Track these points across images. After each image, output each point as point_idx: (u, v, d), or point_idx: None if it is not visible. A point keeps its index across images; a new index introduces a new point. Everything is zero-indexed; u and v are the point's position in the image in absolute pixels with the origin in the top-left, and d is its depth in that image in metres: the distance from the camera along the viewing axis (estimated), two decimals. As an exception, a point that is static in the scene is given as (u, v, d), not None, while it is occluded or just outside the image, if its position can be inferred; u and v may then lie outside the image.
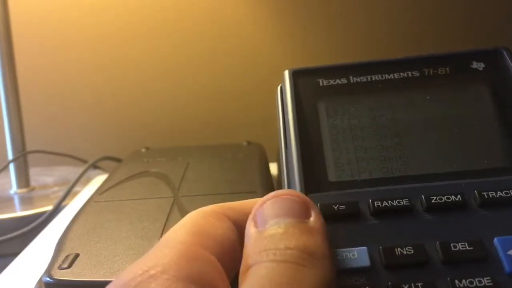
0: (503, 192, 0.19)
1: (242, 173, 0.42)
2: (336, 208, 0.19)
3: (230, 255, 0.17)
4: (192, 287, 0.14)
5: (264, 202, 0.17)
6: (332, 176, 0.21)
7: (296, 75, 0.24)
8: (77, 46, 0.71)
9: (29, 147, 0.58)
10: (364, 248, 0.18)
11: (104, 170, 0.62)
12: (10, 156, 0.56)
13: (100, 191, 0.40)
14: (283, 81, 0.24)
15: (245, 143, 0.55)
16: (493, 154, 0.21)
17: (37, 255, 0.36)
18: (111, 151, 0.63)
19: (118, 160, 0.59)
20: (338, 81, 0.24)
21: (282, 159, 0.22)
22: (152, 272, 0.14)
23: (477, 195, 0.19)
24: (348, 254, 0.17)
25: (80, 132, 0.74)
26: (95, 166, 0.59)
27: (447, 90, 0.23)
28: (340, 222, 0.18)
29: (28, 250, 0.37)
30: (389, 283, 0.16)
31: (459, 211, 0.18)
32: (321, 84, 0.24)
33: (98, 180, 0.54)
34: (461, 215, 0.18)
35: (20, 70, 0.56)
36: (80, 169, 0.54)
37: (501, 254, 0.17)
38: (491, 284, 0.16)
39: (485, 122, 0.22)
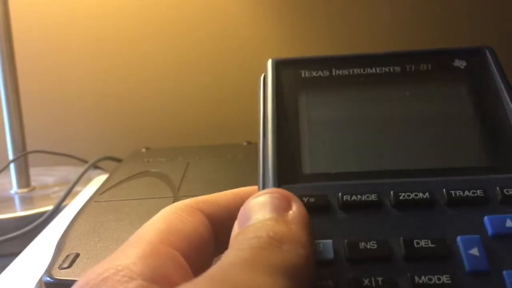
0: (470, 192, 0.19)
1: (242, 173, 0.42)
2: (305, 200, 0.19)
3: (198, 250, 0.18)
4: (145, 284, 0.14)
5: (246, 203, 0.17)
6: (306, 169, 0.21)
7: (278, 65, 0.24)
8: (77, 46, 0.71)
9: (30, 147, 0.58)
10: (329, 241, 0.18)
11: (104, 170, 0.62)
12: (10, 156, 0.56)
13: (100, 191, 0.40)
14: (265, 71, 0.24)
15: (245, 143, 0.55)
16: (466, 153, 0.21)
17: (38, 255, 0.36)
18: (112, 151, 0.63)
19: (118, 160, 0.59)
20: (320, 73, 0.23)
21: (259, 148, 0.22)
22: (106, 274, 0.15)
23: (444, 194, 0.19)
24: (315, 246, 0.17)
25: (80, 132, 0.74)
26: (95, 166, 0.59)
27: (427, 87, 0.23)
28: (309, 214, 0.18)
29: (29, 250, 0.37)
30: (350, 276, 0.17)
31: (427, 208, 0.19)
32: (303, 75, 0.23)
33: (99, 180, 0.54)
34: (428, 213, 0.18)
35: (21, 70, 0.56)
36: (81, 169, 0.54)
37: (462, 252, 0.17)
38: (449, 282, 0.16)
39: (461, 121, 0.22)
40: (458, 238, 0.17)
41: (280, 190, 0.18)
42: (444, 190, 0.19)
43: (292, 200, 0.17)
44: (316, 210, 0.19)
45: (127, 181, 0.42)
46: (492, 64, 0.23)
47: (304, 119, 0.22)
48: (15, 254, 0.36)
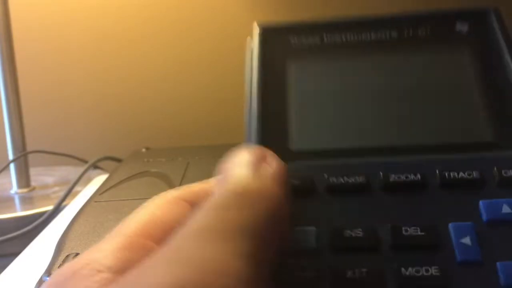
0: (466, 173, 0.17)
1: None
2: (290, 182, 0.17)
3: None
4: (111, 276, 0.14)
5: (223, 162, 0.17)
6: (293, 144, 0.19)
7: (266, 31, 0.22)
8: (77, 46, 0.71)
9: (30, 147, 0.58)
10: (313, 228, 0.16)
11: (104, 170, 0.61)
12: (10, 156, 0.56)
13: (100, 191, 0.40)
14: (252, 36, 0.22)
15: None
16: (465, 127, 0.19)
17: (38, 255, 0.36)
18: (112, 151, 0.63)
19: (118, 160, 0.59)
20: (310, 40, 0.22)
21: (245, 122, 0.21)
22: (75, 268, 0.15)
23: (438, 175, 0.17)
24: (296, 234, 0.16)
25: (80, 132, 0.74)
26: (95, 166, 0.59)
27: (425, 54, 0.21)
28: (292, 198, 0.17)
29: (29, 250, 0.37)
30: (333, 267, 0.15)
31: (419, 191, 0.17)
32: (292, 42, 0.22)
33: (99, 180, 0.54)
34: (419, 196, 0.17)
35: (21, 70, 0.56)
36: (81, 169, 0.54)
37: (454, 241, 0.16)
38: (438, 274, 0.15)
39: (462, 91, 0.20)
40: (450, 225, 0.16)
41: (258, 147, 0.17)
42: (437, 171, 0.17)
43: (269, 156, 0.17)
44: (300, 193, 0.17)
45: (127, 181, 0.42)
46: (497, 28, 0.21)
47: (292, 90, 0.21)
48: (15, 254, 0.36)
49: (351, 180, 0.17)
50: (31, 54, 0.70)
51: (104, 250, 0.15)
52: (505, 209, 0.16)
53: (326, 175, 0.18)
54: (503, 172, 0.17)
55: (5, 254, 0.41)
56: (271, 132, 0.19)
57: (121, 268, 0.14)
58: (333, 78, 0.21)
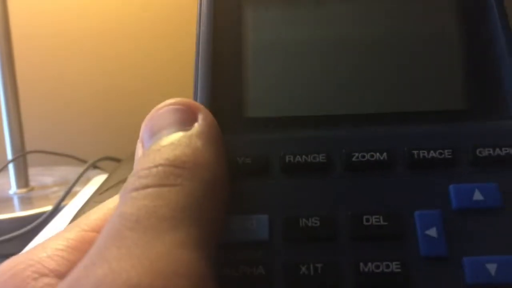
0: (437, 152, 0.15)
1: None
2: (240, 161, 0.15)
3: None
4: (53, 282, 0.13)
5: (148, 119, 0.15)
6: (247, 110, 0.17)
7: None
8: (77, 45, 0.71)
9: (29, 147, 0.58)
10: (265, 216, 0.15)
11: (103, 170, 0.61)
12: (9, 156, 0.55)
13: (100, 191, 0.40)
14: None
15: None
16: (440, 91, 0.17)
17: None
18: (111, 151, 0.63)
19: (117, 160, 0.59)
20: None
21: (194, 83, 0.18)
22: (15, 269, 0.13)
23: (406, 154, 0.15)
24: (246, 223, 0.15)
25: (79, 132, 0.74)
26: (94, 166, 0.59)
27: (398, 0, 0.18)
28: (244, 179, 0.15)
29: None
30: (286, 262, 0.14)
31: (384, 172, 0.15)
32: None
33: (98, 180, 0.54)
34: (385, 178, 0.15)
35: (20, 69, 0.56)
36: (80, 169, 0.54)
37: (418, 232, 0.14)
38: (399, 270, 0.14)
39: (439, 47, 0.17)
40: (416, 213, 0.15)
41: (184, 100, 0.15)
42: (405, 149, 0.15)
43: (199, 111, 0.15)
44: (253, 174, 0.15)
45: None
46: None
47: (248, 43, 0.18)
48: (14, 254, 0.36)
49: (310, 159, 0.15)
50: (30, 54, 0.70)
51: (50, 250, 0.14)
52: (477, 195, 0.15)
53: (282, 153, 0.16)
54: (477, 151, 0.15)
55: (4, 254, 0.41)
56: (221, 93, 0.17)
57: (67, 271, 0.13)
58: (296, 27, 0.18)
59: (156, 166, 0.13)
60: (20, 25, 0.63)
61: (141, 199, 0.12)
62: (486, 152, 0.15)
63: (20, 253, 0.14)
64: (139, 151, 0.15)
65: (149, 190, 0.12)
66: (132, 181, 0.13)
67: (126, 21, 0.70)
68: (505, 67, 0.16)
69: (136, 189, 0.13)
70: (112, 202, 0.16)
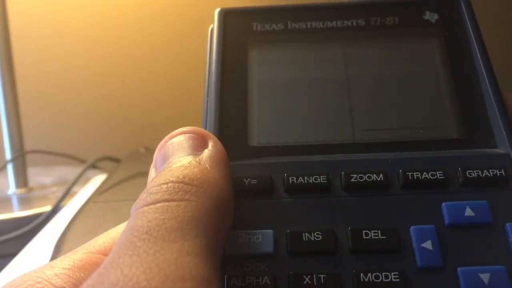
0: (429, 174, 0.17)
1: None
2: (246, 182, 0.17)
3: None
4: None
5: (161, 146, 0.17)
6: (252, 140, 0.18)
7: (227, 16, 0.21)
8: (76, 46, 0.71)
9: (28, 147, 0.57)
10: (270, 231, 0.16)
11: (102, 170, 0.61)
12: (8, 156, 0.55)
13: (99, 191, 0.40)
14: (213, 22, 0.21)
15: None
16: (431, 123, 0.18)
17: (35, 256, 0.36)
18: (110, 151, 0.63)
19: (117, 160, 0.59)
20: (274, 26, 0.20)
21: (203, 113, 0.19)
22: (27, 284, 0.14)
23: (401, 175, 0.17)
24: (252, 237, 0.16)
25: (78, 132, 0.74)
26: (93, 166, 0.59)
27: (393, 44, 0.20)
28: (250, 198, 0.16)
29: (26, 251, 0.37)
30: (290, 273, 0.15)
31: (381, 191, 0.17)
32: (254, 28, 0.20)
33: (97, 180, 0.54)
34: (381, 197, 0.16)
35: (19, 69, 0.56)
36: (79, 169, 0.54)
37: (415, 245, 0.15)
38: (398, 280, 0.14)
39: (429, 84, 0.19)
40: (411, 228, 0.16)
41: (196, 128, 0.16)
42: (400, 171, 0.17)
43: (209, 139, 0.16)
44: (258, 193, 0.17)
45: (126, 182, 0.42)
46: (467, 18, 0.20)
47: (253, 80, 0.19)
48: (13, 255, 0.36)
49: (312, 180, 0.17)
50: (29, 54, 0.70)
51: (57, 268, 0.14)
52: (468, 212, 0.16)
53: (285, 175, 0.17)
54: (467, 173, 0.17)
55: (3, 254, 0.41)
56: (229, 124, 0.18)
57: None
58: (296, 67, 0.20)
59: (166, 183, 0.14)
60: (19, 25, 0.63)
61: (151, 213, 0.13)
62: (475, 173, 0.16)
63: (29, 271, 0.15)
64: (151, 174, 0.16)
65: (159, 204, 0.13)
66: (143, 197, 0.14)
67: (126, 21, 0.70)
68: (489, 105, 0.18)
69: (147, 204, 0.14)
70: (120, 228, 0.17)
